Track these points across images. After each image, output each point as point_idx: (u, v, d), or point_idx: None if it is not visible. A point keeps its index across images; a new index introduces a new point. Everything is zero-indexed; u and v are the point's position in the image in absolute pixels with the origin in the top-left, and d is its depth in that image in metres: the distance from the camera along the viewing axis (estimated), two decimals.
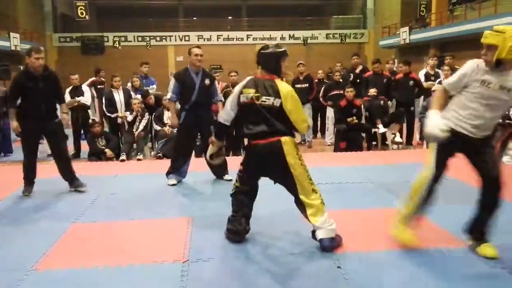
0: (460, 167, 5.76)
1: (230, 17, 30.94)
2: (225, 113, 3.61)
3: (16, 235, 3.77)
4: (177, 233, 3.71)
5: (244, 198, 3.55)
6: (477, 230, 3.29)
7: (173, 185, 5.20)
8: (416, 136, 8.70)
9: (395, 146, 8.25)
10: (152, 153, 7.89)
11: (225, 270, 3.06)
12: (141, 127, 7.62)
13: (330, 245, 3.31)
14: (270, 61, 3.43)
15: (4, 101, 7.64)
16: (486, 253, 3.17)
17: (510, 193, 4.60)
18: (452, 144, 3.15)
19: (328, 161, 6.56)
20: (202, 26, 28.14)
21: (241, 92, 3.45)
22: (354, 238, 3.55)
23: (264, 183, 4.91)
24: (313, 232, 3.37)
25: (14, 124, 4.93)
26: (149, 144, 8.13)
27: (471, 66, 3.13)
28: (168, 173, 5.29)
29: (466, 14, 17.66)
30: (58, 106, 5.22)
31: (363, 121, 8.10)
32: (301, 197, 3.35)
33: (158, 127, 7.60)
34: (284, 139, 3.31)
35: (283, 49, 3.48)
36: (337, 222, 3.90)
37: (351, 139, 7.89)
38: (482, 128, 3.15)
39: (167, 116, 7.49)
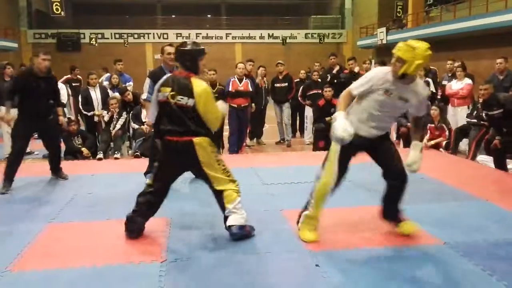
0: (437, 167, 5.91)
1: (209, 16, 30.85)
2: (151, 113, 3.61)
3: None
4: (155, 233, 3.67)
5: (151, 198, 3.53)
6: (393, 216, 3.61)
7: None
8: (393, 135, 8.82)
9: None
10: (130, 151, 7.80)
11: (203, 270, 3.04)
12: (118, 125, 7.53)
13: (239, 233, 3.44)
14: (188, 59, 3.44)
15: None
16: (409, 229, 3.53)
17: (485, 191, 4.74)
18: (353, 146, 3.36)
19: (307, 160, 6.59)
20: (181, 24, 27.96)
21: (159, 90, 3.45)
22: (333, 236, 3.58)
23: (245, 183, 4.92)
24: (225, 218, 3.49)
25: (8, 116, 5.11)
26: (127, 143, 8.04)
27: (379, 74, 3.30)
28: (146, 173, 5.23)
29: (442, 15, 18.01)
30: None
31: None
32: (217, 187, 3.49)
33: (136, 126, 7.52)
34: (196, 139, 3.36)
35: (201, 48, 3.51)
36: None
37: (330, 138, 7.94)
38: (379, 130, 3.44)
39: (145, 114, 7.41)
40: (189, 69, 3.43)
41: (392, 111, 3.39)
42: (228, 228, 3.44)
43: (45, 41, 25.69)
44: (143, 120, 7.39)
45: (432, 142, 7.21)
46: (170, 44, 5.27)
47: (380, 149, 3.57)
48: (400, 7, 20.84)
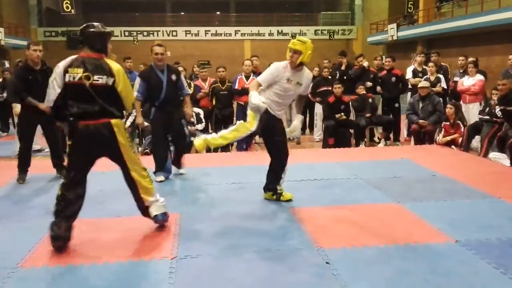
0: (449, 165, 5.86)
1: (218, 13, 30.83)
2: (50, 95, 3.40)
3: (2, 232, 3.71)
4: (164, 230, 3.68)
5: (71, 195, 3.33)
6: (273, 187, 4.39)
7: (161, 181, 5.17)
8: (404, 132, 8.76)
9: (381, 145, 8.31)
10: (140, 149, 7.82)
11: (213, 267, 3.04)
12: (128, 123, 7.54)
13: (163, 219, 3.62)
14: (98, 40, 3.37)
15: None
16: (287, 197, 4.37)
17: (498, 188, 4.68)
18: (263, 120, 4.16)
19: (317, 158, 6.57)
20: (190, 21, 27.98)
21: (66, 71, 3.29)
22: (343, 233, 3.56)
23: (255, 180, 4.92)
24: (146, 209, 3.57)
25: (42, 105, 4.97)
26: (137, 140, 8.06)
27: (279, 67, 4.18)
28: (155, 171, 5.26)
29: (453, 11, 17.82)
30: None
31: (352, 117, 8.13)
32: (133, 174, 3.48)
33: (145, 123, 7.52)
34: (114, 121, 3.33)
35: (109, 30, 3.51)
36: (326, 218, 3.94)
37: (340, 135, 7.92)
38: (280, 109, 4.32)
39: None
40: (99, 50, 3.36)
41: (292, 94, 4.28)
42: (154, 217, 3.60)
43: (55, 39, 25.88)
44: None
45: (448, 138, 7.13)
46: (159, 44, 5.33)
47: (273, 131, 4.34)
48: (411, 2, 20.65)
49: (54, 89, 3.37)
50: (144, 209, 3.60)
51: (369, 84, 8.39)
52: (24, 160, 5.27)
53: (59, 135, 5.55)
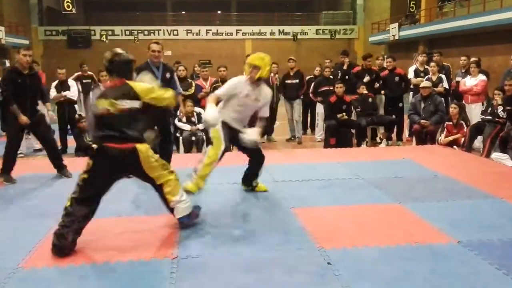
0: (451, 165, 5.84)
1: (219, 12, 30.82)
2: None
3: (2, 232, 3.70)
4: (166, 230, 3.67)
5: (80, 212, 3.31)
6: (250, 181, 4.64)
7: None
8: (406, 132, 8.74)
9: (383, 145, 8.29)
10: None
11: (214, 267, 3.03)
12: None
13: (188, 221, 3.63)
14: (125, 69, 3.49)
15: None
16: (262, 189, 4.64)
17: (500, 189, 4.67)
18: (226, 128, 4.25)
19: (318, 157, 6.56)
20: (191, 21, 27.98)
21: (95, 105, 3.40)
22: (344, 234, 3.55)
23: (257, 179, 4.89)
24: (171, 210, 3.59)
25: (23, 118, 5.15)
26: None
27: (238, 82, 4.29)
28: None
29: (455, 11, 17.80)
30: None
31: (353, 117, 8.11)
32: (158, 183, 3.50)
33: None
34: (139, 146, 3.34)
35: (133, 58, 3.60)
36: (327, 218, 3.92)
37: (341, 135, 7.90)
38: (238, 123, 4.36)
39: None
40: (124, 77, 3.45)
41: (249, 109, 4.35)
42: (178, 220, 3.60)
43: (55, 38, 25.90)
44: None
45: (450, 138, 7.11)
46: (156, 42, 5.39)
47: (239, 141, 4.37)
48: (413, 2, 20.62)
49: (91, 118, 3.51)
50: (170, 210, 3.61)
51: (361, 89, 8.28)
52: (11, 160, 5.24)
53: (51, 136, 5.59)
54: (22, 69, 5.16)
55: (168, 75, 5.32)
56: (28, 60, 5.17)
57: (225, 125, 4.23)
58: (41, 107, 5.64)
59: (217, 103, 4.28)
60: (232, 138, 4.35)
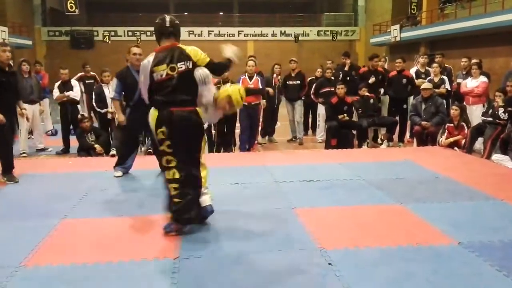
0: (452, 167, 5.84)
1: (221, 13, 30.84)
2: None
3: (5, 231, 3.71)
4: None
5: (188, 184, 3.49)
6: None
7: (119, 176, 5.41)
8: (407, 133, 8.75)
9: (384, 146, 8.30)
10: (143, 148, 7.83)
11: (216, 267, 3.04)
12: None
13: (212, 210, 3.70)
14: (178, 30, 3.69)
15: None
16: None
17: (501, 190, 4.67)
18: None
19: (319, 158, 6.57)
20: (193, 22, 28.00)
21: (153, 71, 3.50)
22: (345, 234, 3.56)
23: (257, 180, 4.91)
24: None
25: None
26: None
27: None
28: (115, 166, 5.54)
29: (457, 12, 17.80)
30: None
31: (354, 118, 8.12)
32: (200, 158, 3.61)
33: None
34: (198, 109, 3.55)
35: None
36: (328, 218, 3.94)
37: (342, 136, 7.91)
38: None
39: None
40: (177, 39, 3.65)
41: None
42: (204, 208, 3.67)
43: (58, 38, 25.97)
44: None
45: (451, 139, 7.11)
46: (137, 46, 5.58)
47: None
48: (415, 4, 20.60)
49: (143, 87, 3.63)
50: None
51: (363, 90, 8.28)
52: (8, 160, 5.21)
53: (10, 140, 5.35)
54: (3, 66, 5.08)
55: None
56: (8, 56, 5.09)
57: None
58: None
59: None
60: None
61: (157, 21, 3.68)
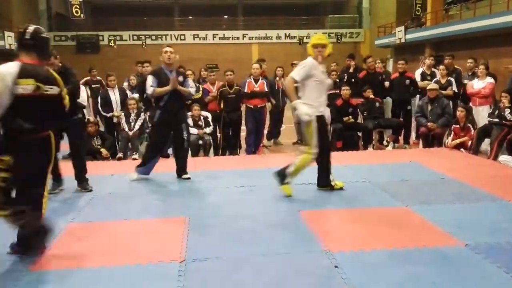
0: (458, 168, 5.82)
1: (226, 16, 30.91)
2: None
3: (11, 235, 3.73)
4: (173, 233, 3.69)
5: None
6: (327, 182, 4.81)
7: (134, 180, 5.36)
8: (412, 135, 8.72)
9: (389, 148, 8.27)
10: None
11: (222, 270, 3.04)
12: (136, 126, 7.60)
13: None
14: (45, 47, 3.20)
15: None
16: (339, 185, 4.82)
17: (507, 192, 4.65)
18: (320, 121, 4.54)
19: None
20: (198, 25, 28.12)
21: (15, 83, 2.98)
22: (351, 237, 3.55)
23: (263, 183, 4.92)
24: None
25: None
26: (145, 143, 8.09)
27: (310, 62, 4.56)
28: (138, 166, 5.47)
29: (461, 13, 17.74)
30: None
31: (359, 120, 8.11)
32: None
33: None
34: (51, 133, 3.22)
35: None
36: (334, 221, 3.94)
37: (347, 138, 7.90)
38: (323, 104, 4.68)
39: None
40: (42, 57, 3.19)
41: (325, 87, 4.68)
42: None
43: (64, 43, 26.10)
44: None
45: (457, 141, 7.08)
46: (169, 45, 5.45)
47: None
48: (419, 5, 20.55)
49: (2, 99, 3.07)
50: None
51: (367, 93, 8.25)
52: None
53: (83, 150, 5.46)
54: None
55: (181, 78, 5.36)
56: (55, 63, 4.86)
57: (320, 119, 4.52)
58: None
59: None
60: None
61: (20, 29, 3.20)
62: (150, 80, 5.28)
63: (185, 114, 5.66)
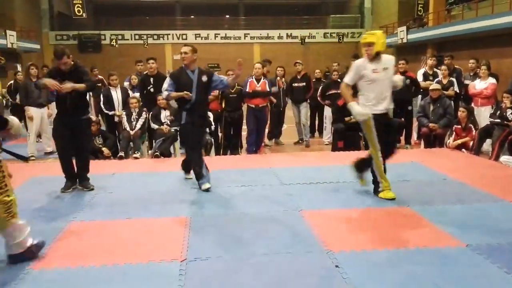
0: (460, 168, 5.81)
1: (227, 16, 30.93)
2: None
3: None
4: (174, 232, 3.70)
5: None
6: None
7: (207, 189, 4.92)
8: (414, 135, 8.71)
9: None
10: (150, 151, 7.86)
11: (223, 269, 3.05)
12: (138, 125, 7.60)
13: (18, 260, 3.14)
14: None
15: None
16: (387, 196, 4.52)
17: (509, 192, 4.64)
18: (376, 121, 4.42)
19: (326, 160, 6.57)
20: (200, 25, 28.13)
21: None
22: (352, 237, 3.55)
23: (264, 183, 4.92)
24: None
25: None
26: (146, 143, 8.11)
27: (359, 63, 4.51)
28: (199, 178, 5.01)
29: (463, 14, 17.72)
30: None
31: None
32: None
33: (155, 126, 7.58)
34: None
35: None
36: (335, 221, 3.94)
37: (349, 138, 7.89)
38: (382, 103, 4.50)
39: (164, 115, 7.48)
40: None
41: (383, 83, 4.47)
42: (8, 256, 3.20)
43: (66, 42, 26.12)
44: (163, 121, 7.46)
45: (459, 141, 7.08)
46: (185, 44, 5.16)
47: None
48: (421, 5, 20.55)
49: None
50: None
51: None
52: None
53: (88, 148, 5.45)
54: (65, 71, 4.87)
55: (204, 78, 4.96)
56: (68, 62, 4.83)
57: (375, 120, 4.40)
58: None
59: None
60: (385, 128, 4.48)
61: None
62: (167, 83, 4.99)
63: (208, 117, 5.41)
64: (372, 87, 4.44)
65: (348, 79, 4.53)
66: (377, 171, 4.52)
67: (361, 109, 4.39)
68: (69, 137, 4.94)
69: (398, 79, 4.75)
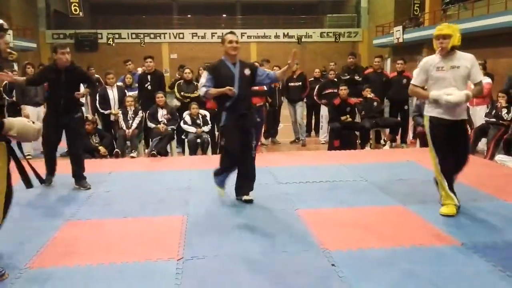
0: None
1: (224, 15, 30.91)
2: None
3: (10, 232, 3.72)
4: (171, 231, 3.70)
5: None
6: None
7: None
8: (410, 134, 8.75)
9: (387, 147, 8.29)
10: (146, 150, 7.86)
11: (220, 268, 3.06)
12: (134, 124, 7.59)
13: None
14: None
15: None
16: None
17: (504, 191, 4.67)
18: (438, 128, 4.02)
19: (322, 160, 6.58)
20: (196, 24, 28.11)
21: None
22: (348, 236, 3.57)
23: (261, 181, 4.93)
24: None
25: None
26: (143, 142, 8.10)
27: (423, 61, 4.11)
28: (220, 185, 4.61)
29: (459, 13, 17.77)
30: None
31: (357, 119, 8.13)
32: None
33: (152, 125, 7.57)
34: None
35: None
36: (331, 220, 3.96)
37: (345, 137, 7.92)
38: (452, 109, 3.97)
39: (161, 114, 7.47)
40: None
41: (448, 83, 3.94)
42: None
43: (63, 41, 26.05)
44: (160, 120, 7.45)
45: None
46: (231, 32, 4.57)
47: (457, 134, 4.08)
48: (417, 5, 20.61)
49: None
50: None
51: (366, 91, 8.25)
52: None
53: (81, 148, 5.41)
54: (61, 68, 4.85)
55: (247, 71, 4.35)
56: (67, 59, 4.81)
57: (434, 125, 4.00)
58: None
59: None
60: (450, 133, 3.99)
61: None
62: (204, 77, 4.33)
63: (254, 116, 4.68)
64: (436, 88, 3.94)
65: (415, 80, 4.13)
66: (439, 181, 4.10)
67: (426, 110, 4.05)
68: (57, 138, 5.12)
69: (459, 95, 3.90)
